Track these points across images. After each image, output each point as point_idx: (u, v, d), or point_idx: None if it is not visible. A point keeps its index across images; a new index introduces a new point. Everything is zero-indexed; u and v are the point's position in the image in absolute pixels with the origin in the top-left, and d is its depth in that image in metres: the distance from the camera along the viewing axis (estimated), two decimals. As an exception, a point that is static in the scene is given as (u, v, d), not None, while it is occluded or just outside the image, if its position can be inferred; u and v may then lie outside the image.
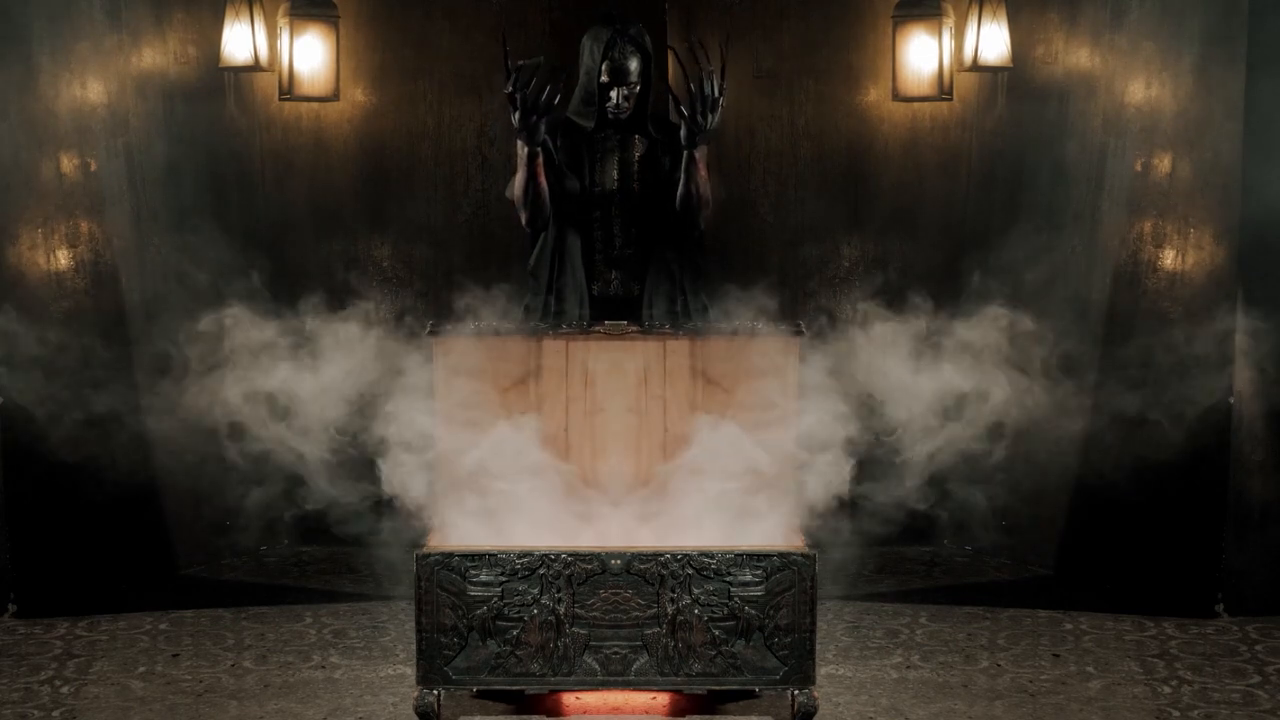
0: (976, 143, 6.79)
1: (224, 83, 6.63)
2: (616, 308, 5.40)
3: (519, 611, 4.58)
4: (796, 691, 4.64)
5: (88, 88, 6.14)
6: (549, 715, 4.86)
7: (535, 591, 4.57)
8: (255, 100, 6.76)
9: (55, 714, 4.94)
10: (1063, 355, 6.16)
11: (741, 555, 4.58)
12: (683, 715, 4.85)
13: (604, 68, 5.33)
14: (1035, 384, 6.20)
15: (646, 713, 4.86)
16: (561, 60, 5.72)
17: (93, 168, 6.14)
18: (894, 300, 5.96)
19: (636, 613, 4.59)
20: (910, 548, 6.82)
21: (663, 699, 4.89)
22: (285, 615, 5.95)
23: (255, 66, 6.57)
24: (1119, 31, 6.23)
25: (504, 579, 4.57)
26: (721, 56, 5.16)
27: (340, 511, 5.46)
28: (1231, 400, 5.88)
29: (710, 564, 4.57)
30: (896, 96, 6.82)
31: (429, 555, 4.58)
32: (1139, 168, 6.12)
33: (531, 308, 5.44)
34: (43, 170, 6.02)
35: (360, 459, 5.19)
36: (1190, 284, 6.01)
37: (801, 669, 4.60)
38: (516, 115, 5.11)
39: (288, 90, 6.73)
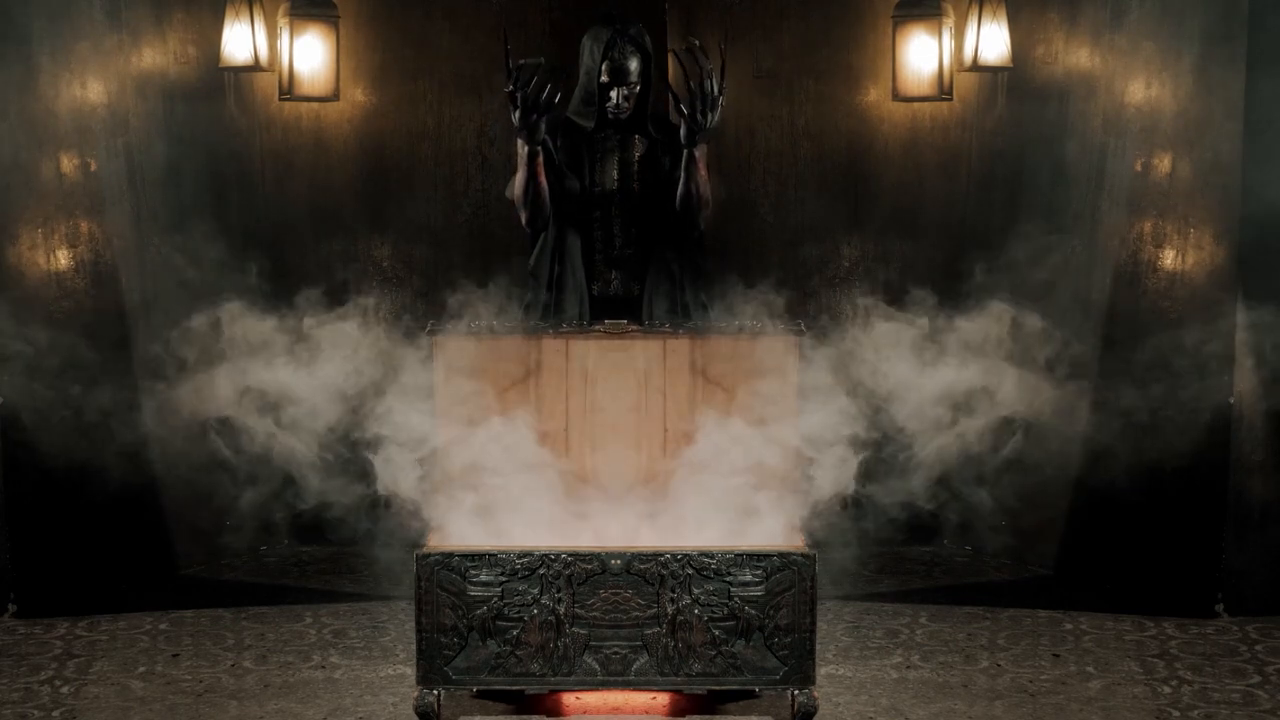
0: (976, 143, 6.79)
1: (224, 83, 6.63)
2: (616, 308, 5.40)
3: (519, 611, 4.58)
4: (796, 691, 4.64)
5: (88, 88, 6.14)
6: (549, 715, 4.86)
7: (535, 591, 4.57)
8: (255, 100, 6.76)
9: (55, 714, 4.94)
10: (1063, 355, 6.16)
11: (741, 555, 4.58)
12: (683, 715, 4.85)
13: (604, 68, 5.33)
14: (1036, 384, 6.20)
15: (646, 713, 4.85)
16: (561, 60, 5.72)
17: (93, 168, 6.14)
18: (894, 300, 5.97)
19: (636, 613, 4.59)
20: (910, 548, 6.82)
21: (663, 699, 4.89)
22: (285, 615, 5.95)
23: (255, 66, 6.57)
24: (1119, 31, 6.23)
25: (504, 579, 4.57)
26: (721, 56, 5.17)
27: (340, 511, 5.46)
28: (1231, 400, 5.88)
29: (710, 564, 4.57)
30: (896, 96, 6.82)
31: (429, 555, 4.58)
32: (1139, 168, 6.12)
33: (531, 307, 5.44)
34: (43, 170, 6.02)
35: (360, 459, 5.19)
36: (1190, 284, 6.00)
37: (801, 669, 4.60)
38: (517, 114, 5.11)
39: (288, 90, 6.73)
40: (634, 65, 5.34)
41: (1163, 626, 5.78)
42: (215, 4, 6.55)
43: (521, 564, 4.57)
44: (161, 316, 6.32)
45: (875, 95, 6.86)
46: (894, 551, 6.75)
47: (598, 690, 4.74)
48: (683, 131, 5.21)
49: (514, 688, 4.64)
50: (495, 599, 4.57)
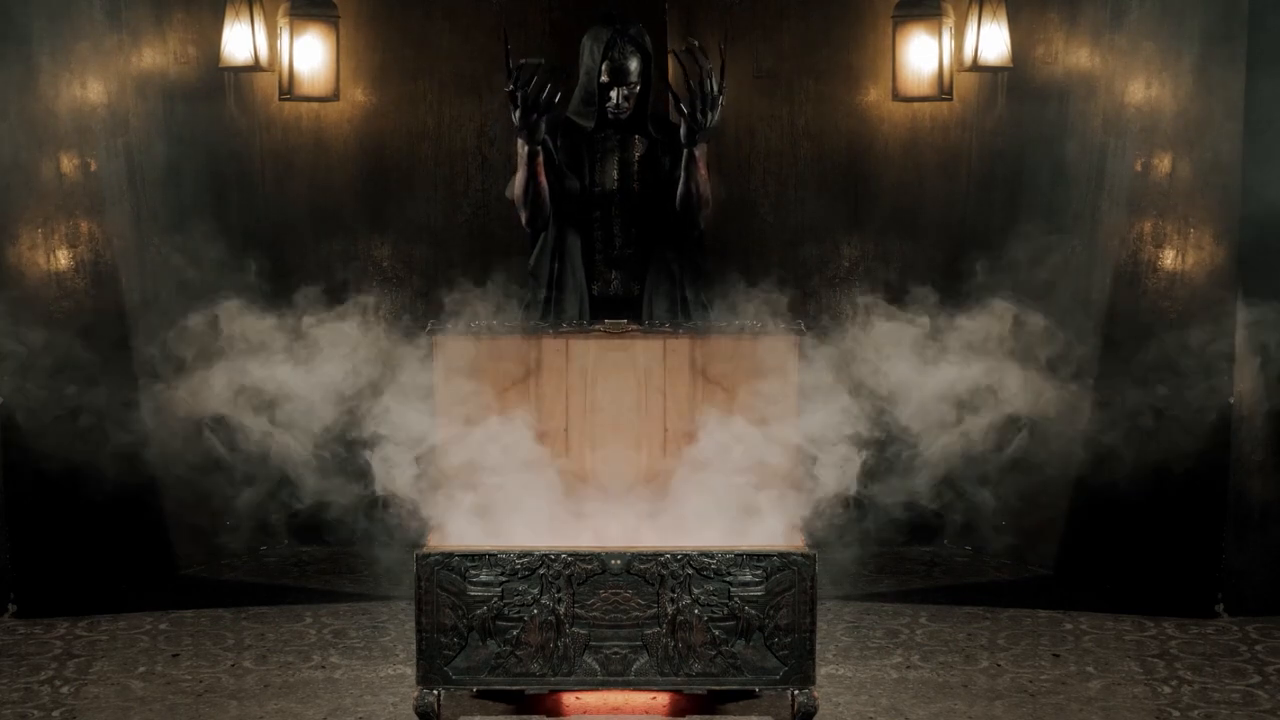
0: (976, 143, 6.79)
1: (224, 83, 6.63)
2: (616, 308, 5.40)
3: (519, 611, 4.58)
4: (796, 691, 4.64)
5: (88, 88, 6.14)
6: (549, 715, 4.86)
7: (535, 591, 4.57)
8: (255, 100, 6.76)
9: (55, 714, 4.94)
10: (1063, 355, 6.16)
11: (741, 555, 4.58)
12: (683, 715, 4.85)
13: (604, 68, 5.34)
14: (1036, 384, 6.20)
15: (646, 713, 4.85)
16: (561, 60, 5.72)
17: (93, 168, 6.14)
18: (894, 300, 5.96)
19: (636, 613, 4.59)
20: (910, 548, 6.82)
21: (663, 699, 4.89)
22: (285, 615, 5.95)
23: (255, 66, 6.57)
24: (1119, 31, 6.23)
25: (504, 579, 4.57)
26: (721, 56, 5.17)
27: (339, 511, 5.46)
28: (1231, 400, 5.88)
29: (710, 564, 4.57)
30: (896, 96, 6.82)
31: (429, 555, 4.58)
32: (1139, 168, 6.12)
33: (531, 307, 5.44)
34: (43, 170, 6.02)
35: (359, 459, 5.19)
36: (1190, 284, 6.00)
37: (801, 669, 4.60)
38: (517, 114, 5.11)
39: (288, 90, 6.73)
40: (634, 65, 5.34)
41: (1163, 626, 5.78)
42: (215, 4, 6.55)
43: (521, 564, 4.57)
44: (161, 316, 6.31)
45: (875, 95, 6.86)
46: (894, 551, 6.75)
47: (598, 690, 4.74)
48: (683, 131, 5.21)
49: (514, 688, 4.64)
50: (495, 599, 4.57)
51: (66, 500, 6.04)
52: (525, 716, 4.88)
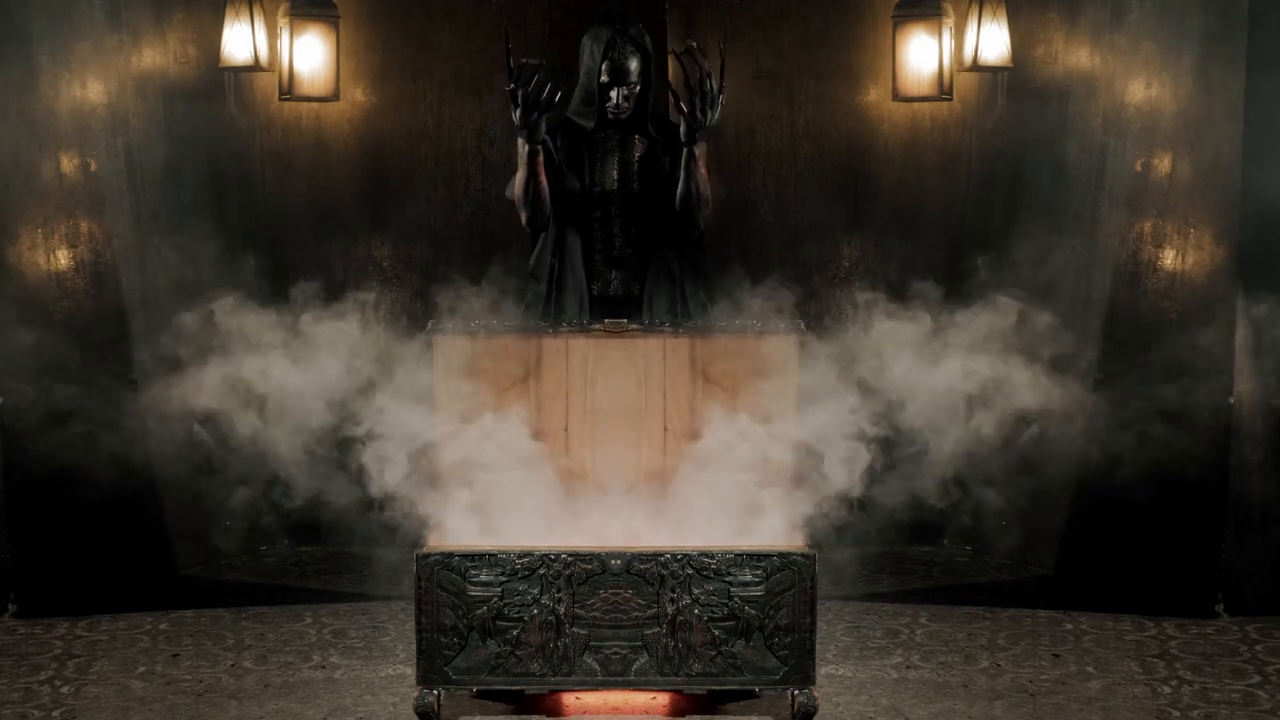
0: (976, 143, 6.79)
1: (224, 83, 6.63)
2: (616, 307, 5.40)
3: (519, 611, 4.58)
4: (796, 691, 4.64)
5: (88, 88, 6.14)
6: (549, 715, 4.85)
7: (535, 591, 4.57)
8: (255, 100, 6.76)
9: (55, 714, 4.94)
10: (1063, 355, 6.16)
11: (741, 555, 4.58)
12: (683, 715, 4.85)
13: (604, 68, 5.34)
14: (1035, 384, 6.19)
15: (646, 713, 4.85)
16: (561, 60, 5.72)
17: (93, 168, 6.14)
18: (894, 300, 5.96)
19: (636, 613, 4.59)
20: (910, 548, 6.82)
21: (663, 699, 4.89)
22: (285, 615, 5.95)
23: (255, 66, 6.57)
24: (1119, 31, 6.23)
25: (504, 579, 4.57)
26: (721, 55, 5.17)
27: (339, 511, 5.46)
28: (1231, 400, 5.88)
29: (710, 564, 4.57)
30: (896, 96, 6.82)
31: (429, 555, 4.58)
32: (1139, 168, 6.12)
33: (531, 307, 5.44)
34: (43, 170, 6.02)
35: (359, 459, 5.19)
36: (1190, 284, 6.01)
37: (801, 669, 4.60)
38: (517, 112, 5.11)
39: (288, 90, 6.73)
40: (634, 65, 5.34)
41: (1163, 626, 5.78)
42: (215, 4, 6.55)
43: (521, 564, 4.57)
44: (161, 316, 6.31)
45: (875, 95, 6.86)
46: (894, 551, 6.75)
47: (598, 690, 4.74)
48: (682, 129, 5.21)
49: (514, 688, 4.64)
50: (495, 599, 4.57)
51: (66, 500, 6.03)
52: (525, 716, 4.87)
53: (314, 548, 6.84)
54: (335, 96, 6.77)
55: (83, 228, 6.13)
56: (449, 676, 4.59)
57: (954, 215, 6.84)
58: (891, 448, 5.34)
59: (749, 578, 4.57)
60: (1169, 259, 6.06)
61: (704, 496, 4.94)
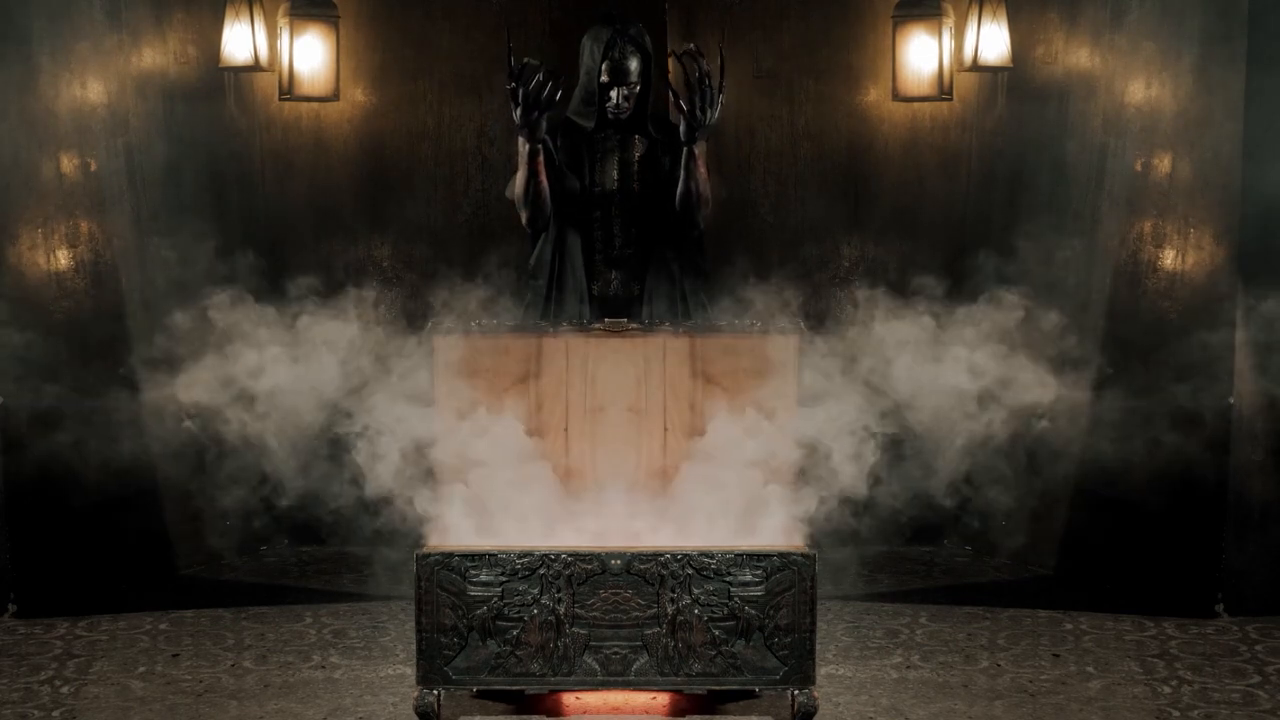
0: (976, 143, 6.79)
1: (224, 83, 6.63)
2: (616, 307, 5.40)
3: (519, 611, 4.58)
4: (796, 691, 4.64)
5: (88, 88, 6.14)
6: (549, 715, 4.85)
7: (535, 591, 4.57)
8: (255, 100, 6.76)
9: (55, 714, 4.94)
10: (1062, 355, 6.16)
11: (741, 555, 4.58)
12: (683, 715, 4.85)
13: (604, 68, 5.34)
14: (1035, 384, 6.19)
15: (646, 713, 4.85)
16: (561, 60, 5.72)
17: (93, 168, 6.14)
18: (894, 300, 5.95)
19: (636, 613, 4.59)
20: (910, 548, 6.82)
21: (663, 699, 4.89)
22: (285, 615, 5.95)
23: (255, 66, 6.57)
24: (1119, 31, 6.23)
25: (504, 579, 4.57)
26: (721, 55, 5.17)
27: (338, 511, 5.46)
28: (1231, 400, 5.88)
29: (710, 564, 4.57)
30: (896, 96, 6.82)
31: (429, 555, 4.57)
32: (1139, 167, 6.12)
33: (531, 306, 5.44)
34: (43, 170, 6.02)
35: (359, 459, 5.19)
36: (1190, 284, 6.01)
37: (801, 669, 4.60)
38: (518, 111, 5.11)
39: (288, 90, 6.73)
40: (634, 65, 5.34)
41: (1163, 626, 5.78)
42: (215, 4, 6.55)
43: (521, 564, 4.57)
44: (161, 316, 6.30)
45: (875, 95, 6.86)
46: (894, 551, 6.75)
47: (598, 690, 4.74)
48: (682, 129, 5.22)
49: (514, 688, 4.64)
50: (495, 599, 4.57)
51: (67, 500, 6.03)
52: (525, 716, 4.87)
53: (314, 548, 6.84)
54: (335, 96, 6.77)
55: (82, 228, 6.13)
56: (449, 676, 4.59)
57: (954, 215, 6.84)
58: (890, 448, 5.34)
59: (749, 578, 4.57)
60: (1169, 259, 6.06)
61: (704, 496, 4.93)
